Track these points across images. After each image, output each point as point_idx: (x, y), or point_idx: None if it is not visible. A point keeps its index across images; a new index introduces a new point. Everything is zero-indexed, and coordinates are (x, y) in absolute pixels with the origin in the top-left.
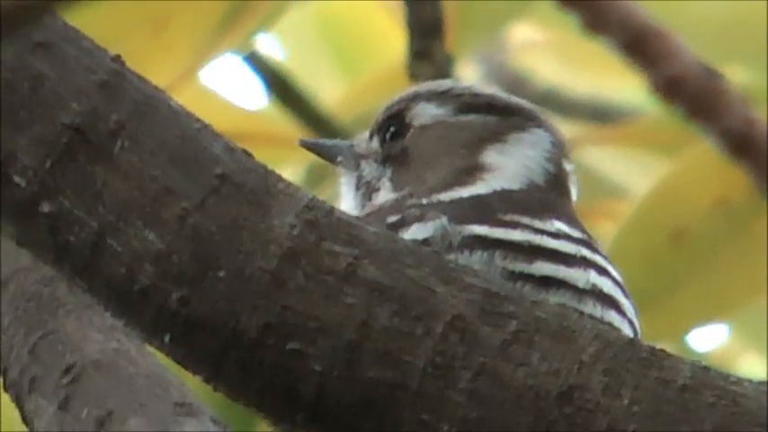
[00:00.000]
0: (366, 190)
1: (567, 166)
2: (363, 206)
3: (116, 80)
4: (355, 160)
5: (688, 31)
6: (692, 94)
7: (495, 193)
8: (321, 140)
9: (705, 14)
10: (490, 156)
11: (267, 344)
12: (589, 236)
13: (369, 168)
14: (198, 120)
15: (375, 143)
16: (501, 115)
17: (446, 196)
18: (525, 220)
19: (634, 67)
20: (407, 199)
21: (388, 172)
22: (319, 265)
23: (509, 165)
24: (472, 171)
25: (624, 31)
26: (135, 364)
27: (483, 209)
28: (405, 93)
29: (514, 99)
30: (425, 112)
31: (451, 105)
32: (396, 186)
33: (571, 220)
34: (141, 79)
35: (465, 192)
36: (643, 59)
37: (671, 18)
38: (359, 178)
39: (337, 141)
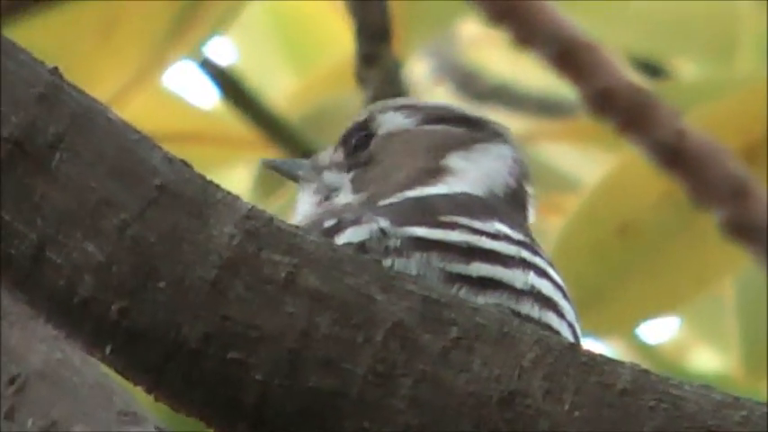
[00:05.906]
0: (326, 192)
1: (529, 189)
2: (319, 206)
3: (54, 93)
4: (316, 172)
5: (635, 26)
6: (622, 107)
7: (442, 195)
8: (281, 160)
9: (652, 9)
10: (454, 160)
11: (208, 354)
12: (532, 239)
13: (331, 176)
14: (136, 131)
15: (340, 154)
16: (468, 127)
17: (407, 194)
18: (464, 220)
19: (564, 79)
20: (370, 200)
21: (350, 176)
22: (259, 275)
23: (472, 170)
24: (435, 173)
25: (553, 44)
26: (79, 373)
27: (425, 210)
28: (372, 106)
29: (484, 116)
30: (391, 121)
31: (419, 116)
32: (356, 188)
33: (515, 224)
34: (79, 91)
35: (426, 191)
36: (573, 73)
37: (618, 13)
38: (320, 184)
39: (297, 160)
